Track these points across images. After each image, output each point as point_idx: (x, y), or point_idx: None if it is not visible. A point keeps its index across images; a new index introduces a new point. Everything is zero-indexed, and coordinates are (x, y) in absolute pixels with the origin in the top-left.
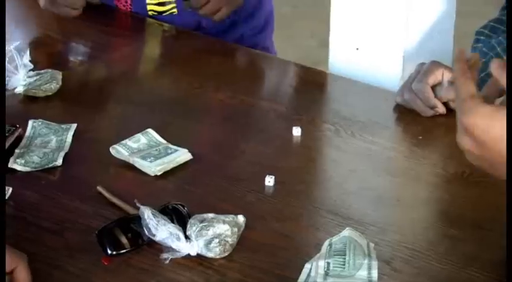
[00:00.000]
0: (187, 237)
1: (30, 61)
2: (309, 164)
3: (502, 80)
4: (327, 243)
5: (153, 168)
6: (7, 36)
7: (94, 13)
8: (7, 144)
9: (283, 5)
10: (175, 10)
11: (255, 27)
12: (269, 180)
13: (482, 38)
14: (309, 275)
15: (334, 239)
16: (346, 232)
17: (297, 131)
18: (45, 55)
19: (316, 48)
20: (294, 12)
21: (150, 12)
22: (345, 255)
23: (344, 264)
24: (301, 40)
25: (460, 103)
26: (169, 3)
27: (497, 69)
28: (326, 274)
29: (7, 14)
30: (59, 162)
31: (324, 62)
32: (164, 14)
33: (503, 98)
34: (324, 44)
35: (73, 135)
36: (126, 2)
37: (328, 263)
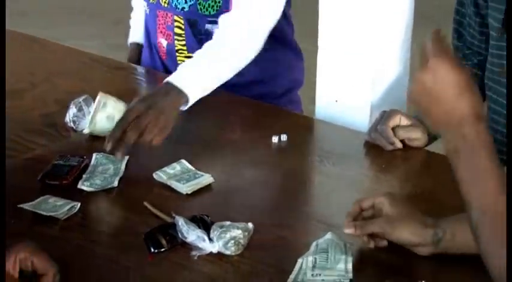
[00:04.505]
0: (210, 239)
1: None
2: (300, 185)
3: None
4: (314, 243)
5: (185, 188)
6: (76, 90)
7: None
8: (77, 172)
9: None
10: None
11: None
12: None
13: None
14: (301, 267)
15: (320, 240)
16: (329, 235)
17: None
18: None
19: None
20: None
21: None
22: (327, 252)
23: (327, 259)
24: None
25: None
26: None
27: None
28: (314, 267)
29: (74, 73)
30: (115, 184)
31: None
32: None
33: None
34: (312, 102)
35: (126, 164)
36: (164, 48)
37: (315, 258)
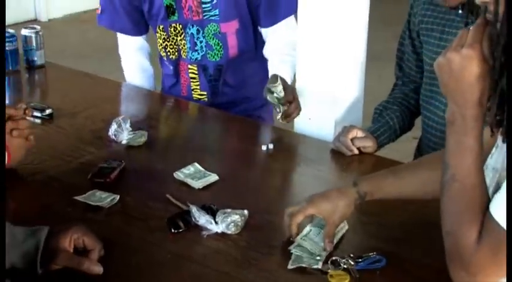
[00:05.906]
0: (216, 222)
1: (130, 125)
2: (284, 182)
3: None
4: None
5: (197, 184)
6: (116, 112)
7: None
8: (117, 173)
9: None
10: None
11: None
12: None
13: (378, 111)
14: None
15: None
16: (308, 227)
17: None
18: (137, 123)
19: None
20: None
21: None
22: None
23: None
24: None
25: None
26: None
27: None
28: (305, 235)
29: (115, 99)
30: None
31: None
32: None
33: None
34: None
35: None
36: (185, 86)
37: (311, 230)
